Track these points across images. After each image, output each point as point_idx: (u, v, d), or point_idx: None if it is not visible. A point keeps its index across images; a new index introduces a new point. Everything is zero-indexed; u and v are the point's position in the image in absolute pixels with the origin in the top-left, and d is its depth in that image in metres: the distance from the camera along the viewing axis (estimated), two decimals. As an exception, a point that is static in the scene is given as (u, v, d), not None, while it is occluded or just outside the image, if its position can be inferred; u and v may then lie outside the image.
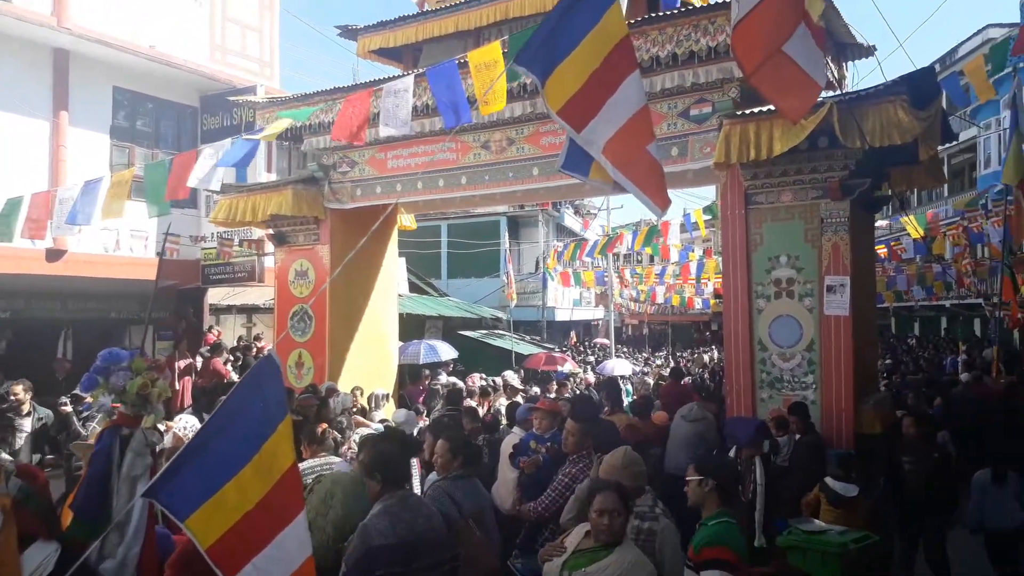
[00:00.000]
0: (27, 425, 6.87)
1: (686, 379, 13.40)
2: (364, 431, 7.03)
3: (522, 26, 8.87)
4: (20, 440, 6.82)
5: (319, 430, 5.34)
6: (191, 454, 2.37)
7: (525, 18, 8.96)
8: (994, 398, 10.57)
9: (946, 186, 27.25)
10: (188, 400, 10.58)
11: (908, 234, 20.80)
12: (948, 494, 6.23)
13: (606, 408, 8.05)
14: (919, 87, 6.55)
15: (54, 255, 10.70)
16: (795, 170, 7.33)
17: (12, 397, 6.88)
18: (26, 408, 6.93)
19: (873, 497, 5.99)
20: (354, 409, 8.43)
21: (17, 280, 10.59)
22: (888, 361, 19.90)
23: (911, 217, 18.52)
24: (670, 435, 7.57)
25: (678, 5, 8.00)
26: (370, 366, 10.94)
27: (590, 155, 3.51)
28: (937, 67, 9.62)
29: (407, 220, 11.83)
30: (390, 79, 9.32)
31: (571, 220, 30.23)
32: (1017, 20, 18.23)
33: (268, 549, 2.44)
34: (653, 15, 7.92)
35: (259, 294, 14.49)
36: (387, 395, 9.95)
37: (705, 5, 7.79)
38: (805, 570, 5.03)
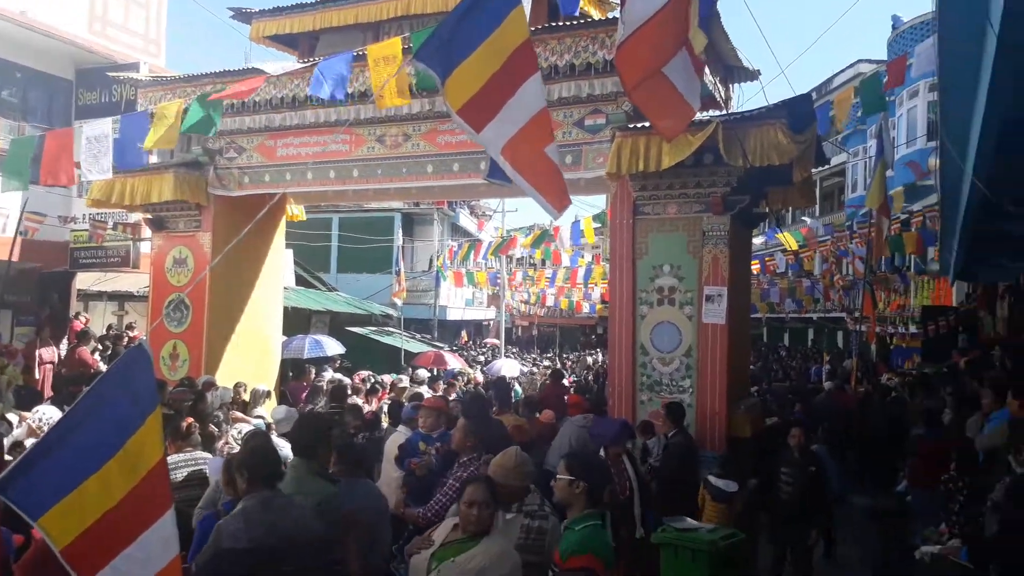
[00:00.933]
0: None
1: (568, 379, 13.70)
2: (244, 427, 6.80)
3: (424, 23, 8.82)
4: None
5: (184, 424, 5.11)
6: (46, 448, 2.23)
7: (427, 16, 8.91)
8: (851, 406, 11.35)
9: (818, 207, 29.08)
10: (49, 391, 9.90)
11: (781, 250, 22.05)
12: (821, 508, 6.44)
13: (495, 408, 8.10)
14: (797, 112, 6.95)
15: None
16: (681, 184, 7.62)
17: None
18: None
19: (743, 497, 6.32)
20: (233, 405, 8.12)
21: None
22: (756, 366, 20.96)
23: (786, 234, 19.62)
24: (559, 436, 7.69)
25: (576, 14, 8.16)
26: (251, 360, 10.58)
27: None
28: (814, 95, 10.27)
29: (296, 211, 11.50)
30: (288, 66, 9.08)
31: (466, 220, 30.27)
32: (884, 57, 19.68)
33: (130, 549, 2.32)
34: (553, 24, 8.07)
35: (133, 281, 13.72)
36: (268, 391, 9.63)
37: (604, 19, 8.01)
38: (677, 566, 5.24)
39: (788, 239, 20.74)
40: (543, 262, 29.52)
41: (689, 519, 5.75)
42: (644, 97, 3.62)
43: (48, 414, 5.28)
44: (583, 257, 27.17)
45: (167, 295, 10.34)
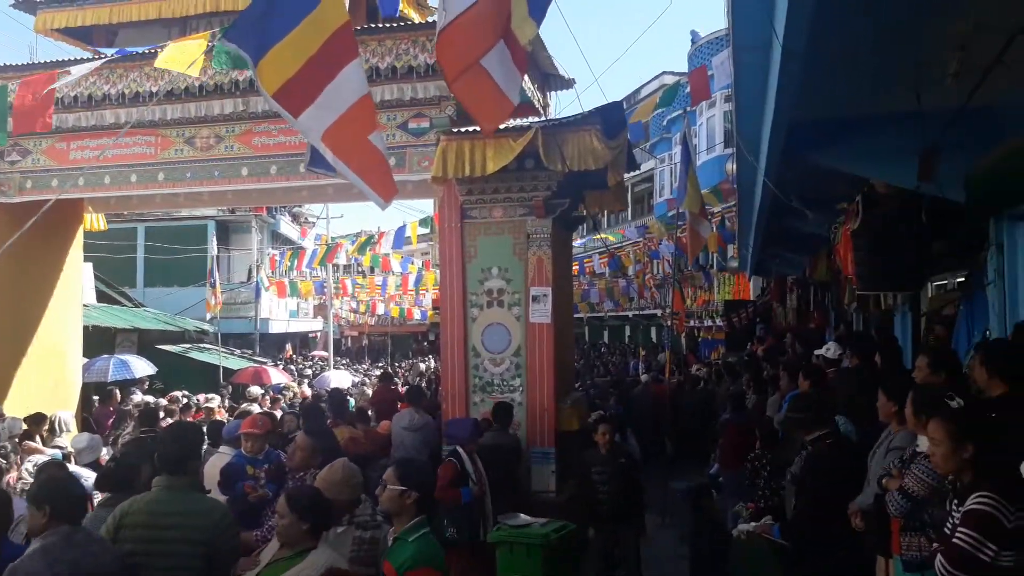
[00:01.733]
0: None
1: (396, 383, 13.63)
2: (38, 458, 6.12)
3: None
4: None
5: None
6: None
7: (238, 12, 8.48)
8: (666, 396, 12.11)
9: (630, 210, 30.86)
10: None
11: (599, 252, 23.16)
12: (636, 502, 6.54)
13: (329, 420, 7.87)
14: (610, 119, 7.32)
15: None
16: (505, 188, 7.79)
17: None
18: None
19: (569, 489, 6.54)
20: (27, 436, 7.29)
21: None
22: (580, 363, 21.88)
23: (605, 235, 20.62)
24: (394, 445, 7.62)
25: (397, 16, 8.13)
26: (46, 386, 9.54)
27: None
28: (625, 104, 10.91)
29: (96, 220, 10.53)
30: (77, 61, 8.30)
31: (288, 227, 29.14)
32: (686, 69, 21.25)
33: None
34: (373, 26, 7.97)
35: None
36: (70, 417, 8.73)
37: (424, 22, 8.02)
38: (514, 562, 5.33)
39: (608, 237, 21.82)
40: (372, 269, 29.11)
41: (523, 515, 5.88)
42: (463, 90, 3.61)
43: None
44: (413, 263, 27.06)
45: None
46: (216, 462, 5.57)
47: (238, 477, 5.21)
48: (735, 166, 9.22)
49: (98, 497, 4.08)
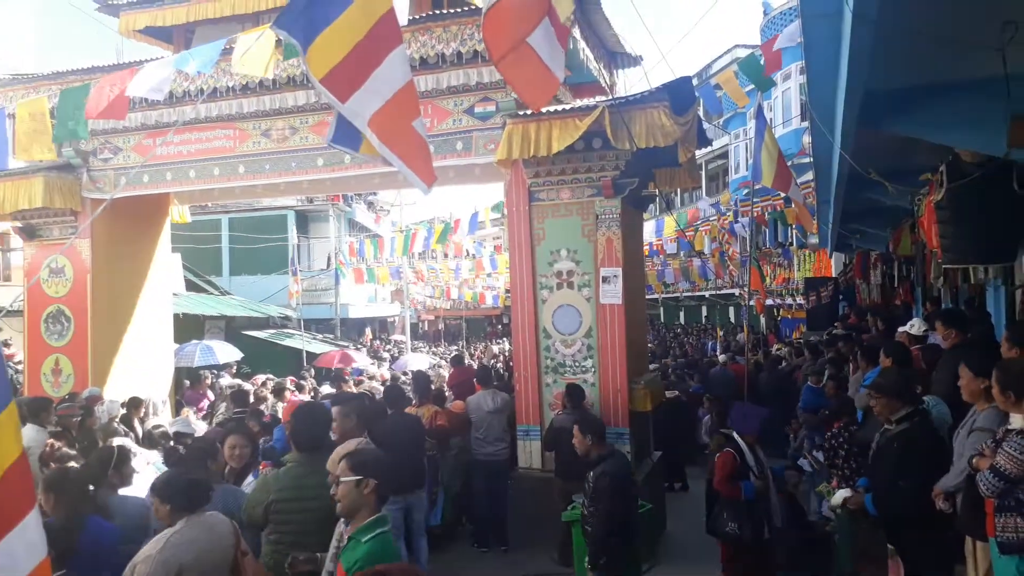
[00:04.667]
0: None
1: (469, 364, 13.87)
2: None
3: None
4: None
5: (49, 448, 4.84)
6: None
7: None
8: (745, 375, 11.89)
9: (704, 188, 30.23)
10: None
11: (675, 233, 22.77)
12: None
13: (415, 401, 8.09)
14: (679, 94, 7.19)
15: None
16: (572, 169, 7.77)
17: None
18: None
19: (648, 469, 6.51)
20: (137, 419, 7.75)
21: None
22: (654, 344, 21.71)
23: (675, 215, 20.29)
24: (477, 426, 7.78)
25: (461, 1, 8.17)
26: (142, 371, 10.08)
27: (359, 130, 3.48)
28: (695, 80, 10.65)
29: (180, 213, 11.01)
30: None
31: (364, 215, 29.77)
32: (759, 42, 20.62)
33: None
34: (438, 12, 8.04)
35: (5, 294, 12.83)
36: (164, 401, 9.23)
37: (488, 6, 8.03)
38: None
39: (671, 223, 21.43)
40: (445, 255, 29.49)
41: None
42: (510, 68, 3.63)
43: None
44: (484, 247, 27.26)
45: (45, 307, 9.72)
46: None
47: None
48: (811, 139, 8.93)
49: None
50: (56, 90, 8.66)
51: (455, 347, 30.10)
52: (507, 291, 27.71)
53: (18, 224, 9.91)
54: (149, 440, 7.02)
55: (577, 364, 7.76)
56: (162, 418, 8.34)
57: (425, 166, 3.66)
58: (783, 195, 18.29)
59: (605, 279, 7.66)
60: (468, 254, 27.69)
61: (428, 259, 33.48)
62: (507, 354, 18.76)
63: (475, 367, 11.68)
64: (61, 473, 3.77)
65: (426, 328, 40.89)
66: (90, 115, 5.91)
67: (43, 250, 9.82)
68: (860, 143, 5.85)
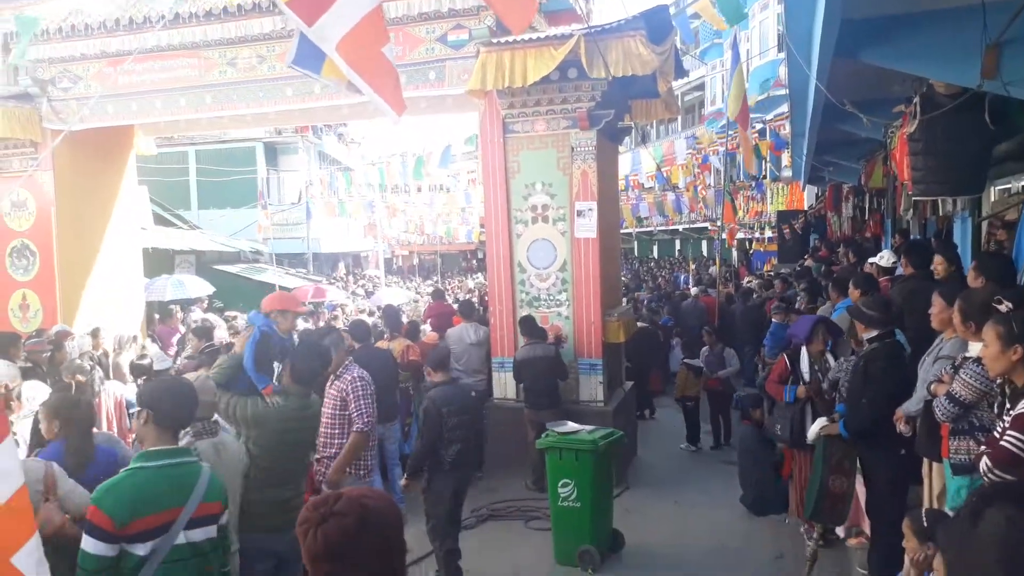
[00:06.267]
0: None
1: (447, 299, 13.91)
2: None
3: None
4: None
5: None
6: None
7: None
8: (715, 306, 12.08)
9: (680, 120, 30.02)
10: None
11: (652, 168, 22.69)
12: None
13: (386, 335, 8.11)
14: (655, 24, 7.05)
15: None
16: (548, 100, 7.65)
17: None
18: None
19: (621, 398, 6.66)
20: (98, 352, 7.70)
21: None
22: (627, 277, 21.90)
23: (651, 149, 20.20)
24: (457, 359, 7.88)
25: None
26: (111, 305, 9.97)
27: (322, 52, 3.37)
28: (672, 8, 10.42)
29: (146, 145, 10.72)
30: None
31: (334, 147, 29.21)
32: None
33: None
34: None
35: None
36: (134, 336, 9.16)
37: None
38: (562, 467, 5.51)
39: (648, 157, 21.33)
40: (418, 188, 29.15)
41: (570, 422, 6.03)
42: None
43: None
44: (458, 180, 26.98)
45: (9, 241, 9.52)
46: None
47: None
48: (787, 70, 8.86)
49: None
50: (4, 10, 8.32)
51: (429, 282, 30.09)
52: (482, 226, 27.61)
53: (-25, 156, 9.60)
54: (137, 371, 7.00)
55: (552, 298, 7.81)
56: (131, 353, 8.27)
57: (395, 94, 3.56)
58: (759, 127, 18.28)
59: (580, 213, 7.65)
60: (442, 188, 27.43)
61: (401, 193, 33.11)
62: (482, 289, 18.81)
63: (451, 302, 11.74)
64: (71, 400, 3.74)
65: (400, 263, 40.72)
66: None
67: (3, 182, 9.55)
68: (836, 74, 5.82)
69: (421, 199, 28.99)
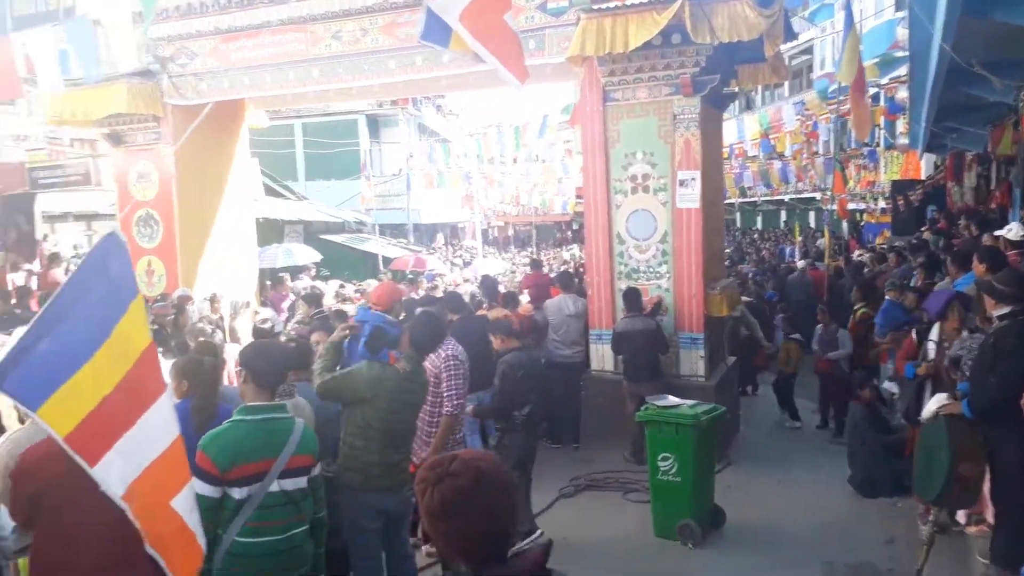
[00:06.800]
0: None
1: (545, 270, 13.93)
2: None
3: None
4: None
5: None
6: (34, 340, 2.21)
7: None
8: (824, 281, 11.62)
9: (787, 86, 28.76)
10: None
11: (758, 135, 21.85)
12: None
13: (484, 304, 8.22)
14: (764, -15, 6.74)
15: None
16: (650, 67, 7.47)
17: None
18: None
19: (723, 373, 6.52)
20: (215, 317, 8.13)
21: None
22: (730, 250, 21.33)
23: (756, 116, 19.46)
24: (556, 329, 7.99)
25: None
26: (227, 272, 10.49)
27: (448, 26, 3.40)
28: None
29: (257, 118, 11.14)
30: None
31: (433, 119, 29.57)
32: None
33: (131, 431, 2.37)
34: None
35: (98, 198, 13.39)
36: (247, 302, 9.62)
37: None
38: (662, 441, 5.46)
39: (755, 122, 20.52)
40: (514, 160, 29.18)
41: (671, 396, 5.96)
42: None
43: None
44: (554, 150, 26.78)
45: (135, 211, 10.14)
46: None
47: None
48: (907, 31, 8.32)
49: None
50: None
51: (524, 253, 30.20)
52: (578, 197, 27.40)
53: (105, 131, 10.22)
54: (260, 335, 7.36)
55: (651, 270, 7.70)
56: (246, 317, 8.69)
57: (518, 62, 3.58)
58: (872, 91, 17.27)
59: (682, 182, 7.48)
60: (537, 159, 27.33)
61: (497, 164, 33.25)
62: (577, 260, 18.75)
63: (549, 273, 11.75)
64: (196, 361, 3.99)
65: (496, 234, 41.02)
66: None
67: (129, 156, 10.15)
68: (963, 34, 5.43)
69: (517, 170, 28.99)
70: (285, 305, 10.99)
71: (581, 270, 12.89)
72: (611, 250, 7.83)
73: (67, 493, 2.82)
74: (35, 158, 11.51)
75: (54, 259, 10.90)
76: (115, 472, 2.35)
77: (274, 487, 3.14)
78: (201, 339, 5.69)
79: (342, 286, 12.25)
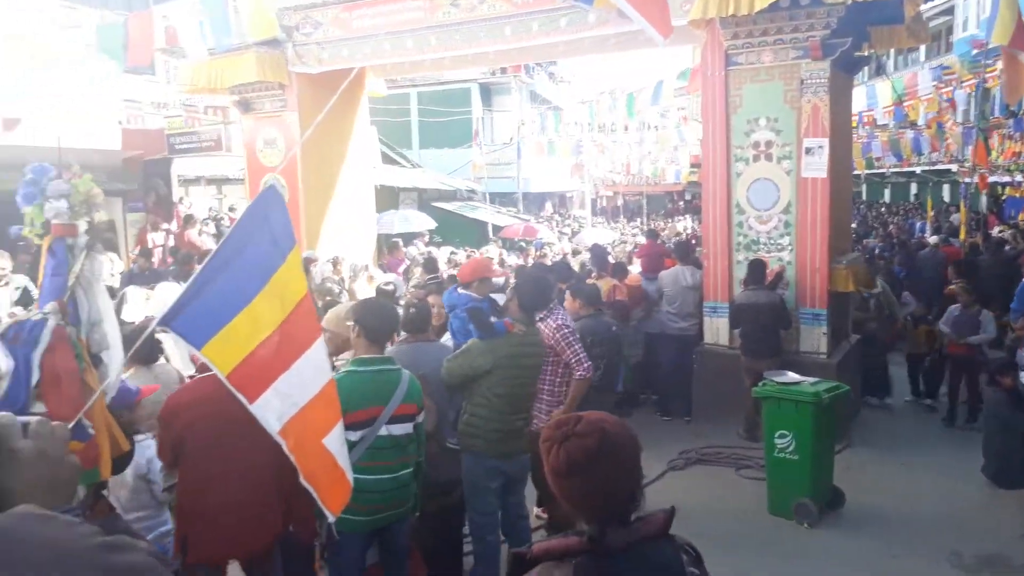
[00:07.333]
0: (4, 296, 6.78)
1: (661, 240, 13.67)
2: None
3: None
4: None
5: None
6: (201, 286, 2.37)
7: None
8: (958, 257, 10.88)
9: (923, 50, 26.83)
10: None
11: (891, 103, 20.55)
12: None
13: (593, 272, 8.18)
14: (906, -62, 6.29)
15: (10, 124, 10.23)
16: (776, 29, 7.13)
17: (-5, 269, 6.79)
18: (4, 279, 6.83)
19: (845, 351, 6.23)
20: (337, 278, 8.46)
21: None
22: (856, 223, 20.28)
23: (890, 80, 18.29)
24: (670, 300, 7.86)
25: None
26: (347, 236, 10.86)
27: None
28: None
29: (376, 86, 11.40)
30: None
31: (545, 87, 29.38)
32: None
33: (287, 374, 2.52)
34: None
35: (228, 164, 14.13)
36: (366, 265, 9.96)
37: None
38: (780, 417, 5.29)
39: (887, 89, 19.25)
40: (625, 128, 28.67)
41: (790, 373, 5.75)
42: None
43: (171, 290, 5.62)
44: (668, 117, 26.13)
45: (261, 176, 10.61)
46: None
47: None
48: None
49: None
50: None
51: (634, 224, 29.76)
52: (692, 165, 26.67)
53: (235, 98, 10.71)
54: (382, 295, 7.65)
55: (772, 241, 7.42)
56: (363, 280, 9.00)
57: (662, 15, 3.49)
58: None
59: (809, 150, 7.14)
60: (648, 127, 26.74)
61: (608, 132, 32.77)
62: (690, 231, 18.32)
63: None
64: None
65: (604, 204, 40.59)
66: None
67: (257, 122, 10.61)
68: None
69: (630, 138, 28.47)
70: (400, 270, 11.30)
71: (694, 241, 12.61)
72: (730, 220, 7.59)
73: (209, 437, 3.05)
74: (173, 125, 12.25)
75: (189, 220, 11.60)
76: (272, 410, 2.51)
77: (383, 431, 3.41)
78: (328, 298, 5.92)
79: (453, 252, 12.49)
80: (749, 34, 7.25)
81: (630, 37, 8.60)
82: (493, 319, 4.38)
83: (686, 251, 8.47)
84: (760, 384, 5.58)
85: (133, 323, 5.16)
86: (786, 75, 7.24)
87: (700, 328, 7.84)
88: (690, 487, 6.00)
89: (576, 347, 4.74)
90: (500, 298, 5.25)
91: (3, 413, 1.08)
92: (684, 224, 24.82)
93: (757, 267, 7.05)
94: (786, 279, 7.24)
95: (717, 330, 7.67)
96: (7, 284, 6.85)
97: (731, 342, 7.46)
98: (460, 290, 5.40)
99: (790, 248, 7.31)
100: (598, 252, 9.05)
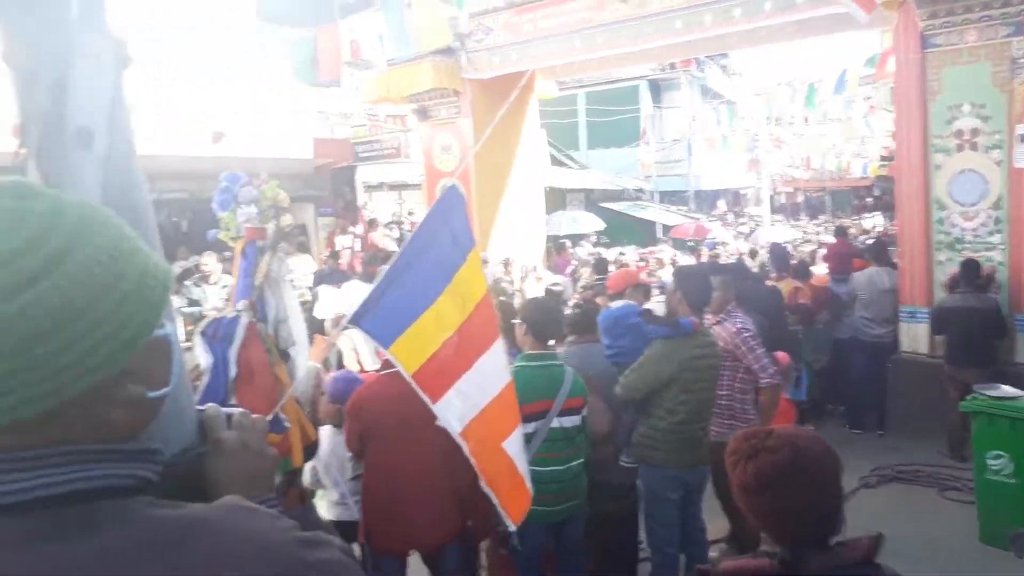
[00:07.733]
0: (214, 295, 7.47)
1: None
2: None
3: None
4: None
5: None
6: (387, 285, 2.43)
7: None
8: None
9: None
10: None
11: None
12: None
13: (773, 273, 7.79)
14: None
15: (217, 137, 11.30)
16: (981, 5, 6.45)
17: (203, 267, 7.52)
18: (214, 278, 7.54)
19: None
20: (508, 279, 8.63)
21: (190, 162, 11.32)
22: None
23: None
24: (865, 304, 7.33)
25: None
26: (517, 237, 11.05)
27: None
28: None
29: (546, 88, 11.49)
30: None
31: (716, 80, 28.37)
32: None
33: (468, 374, 2.56)
34: None
35: (408, 170, 14.85)
36: (535, 267, 10.08)
37: None
38: (993, 435, 4.75)
39: None
40: (804, 120, 27.06)
41: (1005, 386, 5.14)
42: None
43: (360, 287, 5.94)
44: (853, 107, 24.38)
45: (438, 181, 11.03)
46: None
47: None
48: None
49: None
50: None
51: (817, 221, 28.04)
52: (882, 158, 24.70)
53: (413, 106, 11.20)
54: (550, 296, 7.75)
55: (979, 239, 6.70)
56: (531, 281, 9.11)
57: None
58: None
59: (1023, 138, 6.37)
60: (826, 118, 25.01)
61: (786, 125, 31.09)
62: (880, 229, 16.98)
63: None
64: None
65: (783, 200, 38.56)
66: None
67: (434, 129, 11.03)
68: None
69: (811, 130, 26.85)
70: (568, 271, 11.34)
71: (884, 240, 11.63)
72: (928, 217, 6.94)
73: (389, 433, 3.20)
74: (357, 134, 13.04)
75: (372, 224, 12.29)
76: (454, 411, 2.55)
77: (555, 424, 3.53)
78: (502, 298, 6.04)
79: (621, 253, 12.36)
80: (949, 12, 6.60)
81: (807, 24, 8.10)
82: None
83: (881, 251, 7.80)
84: (969, 397, 5.03)
85: (323, 320, 5.52)
86: (994, 55, 6.53)
87: (895, 335, 7.22)
88: (886, 508, 5.51)
89: (759, 352, 4.47)
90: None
91: (210, 404, 1.13)
92: (873, 222, 23.04)
93: (971, 268, 6.37)
94: (997, 281, 6.51)
95: (916, 336, 7.03)
96: (216, 283, 7.55)
97: (932, 350, 6.81)
98: (614, 303, 5.11)
99: (1002, 247, 6.57)
100: (778, 252, 8.57)
